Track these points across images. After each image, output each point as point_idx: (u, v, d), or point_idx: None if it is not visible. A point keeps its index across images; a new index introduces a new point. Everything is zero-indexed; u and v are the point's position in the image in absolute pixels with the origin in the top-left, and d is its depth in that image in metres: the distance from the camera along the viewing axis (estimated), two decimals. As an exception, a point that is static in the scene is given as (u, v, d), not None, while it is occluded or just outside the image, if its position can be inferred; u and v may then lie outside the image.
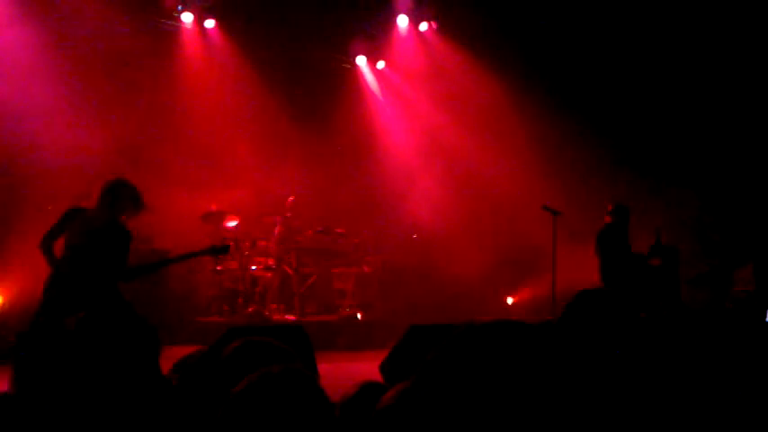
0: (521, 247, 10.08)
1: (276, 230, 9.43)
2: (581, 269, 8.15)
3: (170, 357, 5.76)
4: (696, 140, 10.24)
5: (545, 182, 9.93)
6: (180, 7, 10.14)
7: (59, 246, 5.26)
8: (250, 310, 8.80)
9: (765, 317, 7.64)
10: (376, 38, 11.28)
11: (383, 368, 5.75)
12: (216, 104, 10.09)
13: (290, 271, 9.34)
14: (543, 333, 1.08)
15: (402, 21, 11.25)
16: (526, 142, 10.51)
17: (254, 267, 9.07)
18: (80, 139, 8.39)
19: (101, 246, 5.23)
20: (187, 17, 10.19)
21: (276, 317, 8.91)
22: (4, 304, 8.15)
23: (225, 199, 9.67)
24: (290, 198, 9.55)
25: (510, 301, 10.84)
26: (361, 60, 11.47)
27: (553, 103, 10.43)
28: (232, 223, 9.26)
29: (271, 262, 9.17)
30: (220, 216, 9.27)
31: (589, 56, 10.36)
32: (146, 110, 9.37)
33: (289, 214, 9.45)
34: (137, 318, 4.32)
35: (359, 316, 9.33)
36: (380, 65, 11.56)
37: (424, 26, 11.35)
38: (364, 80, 11.59)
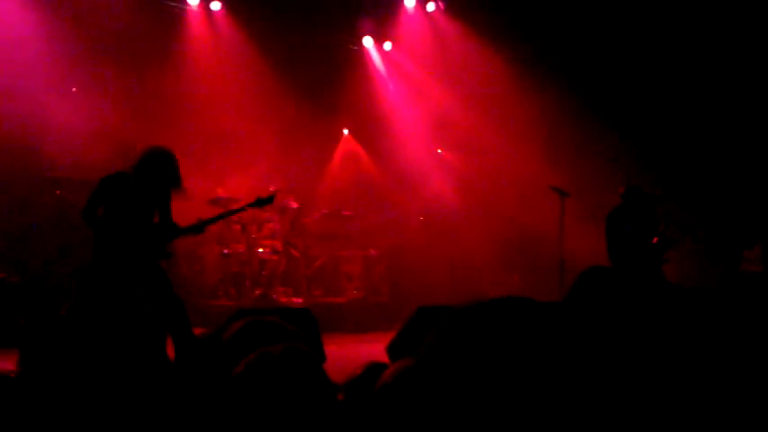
0: (528, 228, 10.03)
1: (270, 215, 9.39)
2: (589, 250, 8.10)
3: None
4: (705, 121, 10.14)
5: (553, 162, 9.86)
6: (186, -11, 10.08)
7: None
8: (257, 293, 8.81)
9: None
10: (383, 18, 11.18)
11: (390, 350, 5.75)
12: (222, 87, 10.04)
13: (296, 254, 9.34)
14: (551, 311, 1.05)
15: (409, 1, 11.15)
16: (534, 123, 10.43)
17: (261, 250, 9.06)
18: (86, 120, 8.38)
19: (144, 209, 5.32)
20: (193, -1, 10.14)
21: (283, 299, 8.92)
22: (18, 285, 8.19)
23: (232, 182, 9.66)
24: (272, 188, 9.46)
25: (517, 282, 10.82)
26: (368, 41, 11.38)
27: (562, 84, 10.34)
28: None
29: (277, 245, 9.16)
30: (227, 201, 9.26)
31: (599, 35, 10.25)
32: (151, 92, 9.33)
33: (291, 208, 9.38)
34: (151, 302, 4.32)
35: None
36: (387, 46, 11.46)
37: (431, 6, 11.25)
38: (371, 61, 11.50)
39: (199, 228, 5.93)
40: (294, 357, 1.53)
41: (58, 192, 8.47)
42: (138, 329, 3.54)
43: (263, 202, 6.42)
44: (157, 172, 5.34)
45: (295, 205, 9.46)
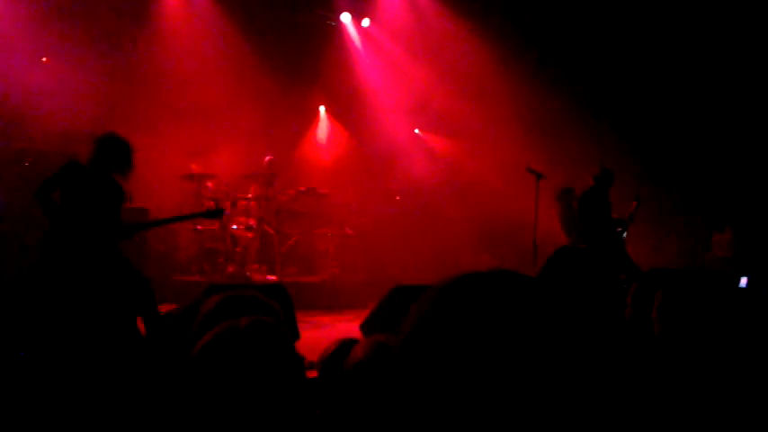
0: (504, 208, 10.08)
1: (252, 189, 9.32)
2: (563, 231, 8.17)
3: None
4: (681, 105, 10.24)
5: (530, 143, 9.90)
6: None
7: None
8: (230, 269, 8.75)
9: (739, 283, 7.72)
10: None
11: (363, 328, 5.77)
12: (198, 62, 9.88)
13: (271, 231, 9.28)
14: (539, 286, 1.03)
15: (388, -23, 11.06)
16: (512, 103, 10.44)
17: (234, 227, 8.99)
18: (58, 93, 8.21)
19: (98, 202, 5.20)
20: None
21: (257, 277, 8.87)
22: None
23: (207, 158, 9.55)
24: (267, 158, 9.38)
25: (489, 262, 10.88)
26: (345, 17, 11.26)
27: (540, 65, 10.34)
28: None
29: (252, 222, 9.09)
30: (201, 177, 9.18)
31: (577, 19, 10.25)
32: (126, 67, 9.16)
33: (265, 172, 9.30)
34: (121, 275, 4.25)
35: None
36: (365, 22, 11.35)
37: (410, -17, 11.16)
38: (349, 37, 11.39)
39: (147, 227, 5.82)
40: (260, 330, 1.51)
41: (28, 163, 8.31)
42: (105, 308, 3.50)
43: (212, 215, 6.31)
44: (111, 161, 5.26)
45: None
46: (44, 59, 8.63)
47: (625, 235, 8.15)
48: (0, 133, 8.28)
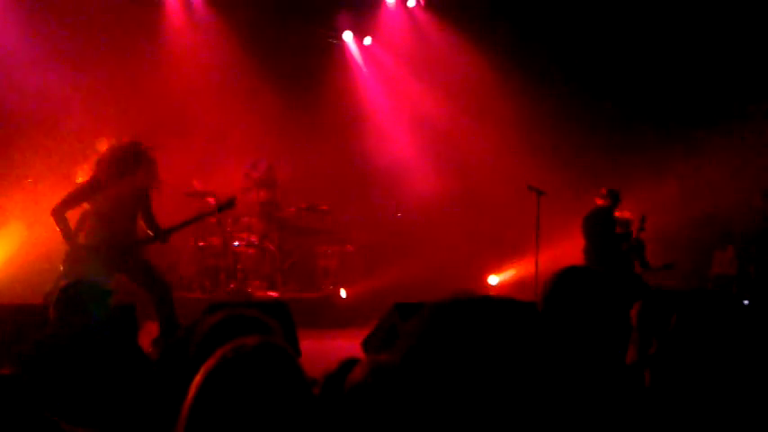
0: (505, 226, 10.09)
1: (254, 196, 9.34)
2: (565, 249, 8.17)
3: (150, 333, 5.75)
4: (681, 123, 10.27)
5: (531, 161, 9.92)
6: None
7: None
8: (232, 286, 8.75)
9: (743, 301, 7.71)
10: (363, 13, 11.15)
11: (365, 345, 5.76)
12: (201, 79, 9.94)
13: (272, 248, 9.29)
14: (531, 311, 1.04)
15: (389, -4, 11.15)
16: (513, 121, 10.48)
17: (236, 243, 9.00)
18: (64, 105, 8.29)
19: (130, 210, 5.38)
20: (171, -12, 10.03)
21: (258, 293, 8.86)
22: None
23: (209, 175, 9.57)
24: (265, 164, 9.45)
25: (493, 280, 10.87)
26: (347, 36, 11.34)
27: (540, 82, 10.39)
28: None
29: (253, 238, 9.11)
30: (203, 194, 9.21)
31: (577, 34, 10.32)
32: (128, 83, 9.21)
33: (265, 177, 9.35)
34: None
35: (342, 293, 9.31)
36: (367, 41, 11.43)
37: (411, 2, 11.24)
38: (351, 56, 11.46)
39: (163, 236, 5.97)
40: (269, 350, 1.51)
41: (30, 179, 8.35)
42: (111, 319, 3.49)
43: (223, 208, 6.45)
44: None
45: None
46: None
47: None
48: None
